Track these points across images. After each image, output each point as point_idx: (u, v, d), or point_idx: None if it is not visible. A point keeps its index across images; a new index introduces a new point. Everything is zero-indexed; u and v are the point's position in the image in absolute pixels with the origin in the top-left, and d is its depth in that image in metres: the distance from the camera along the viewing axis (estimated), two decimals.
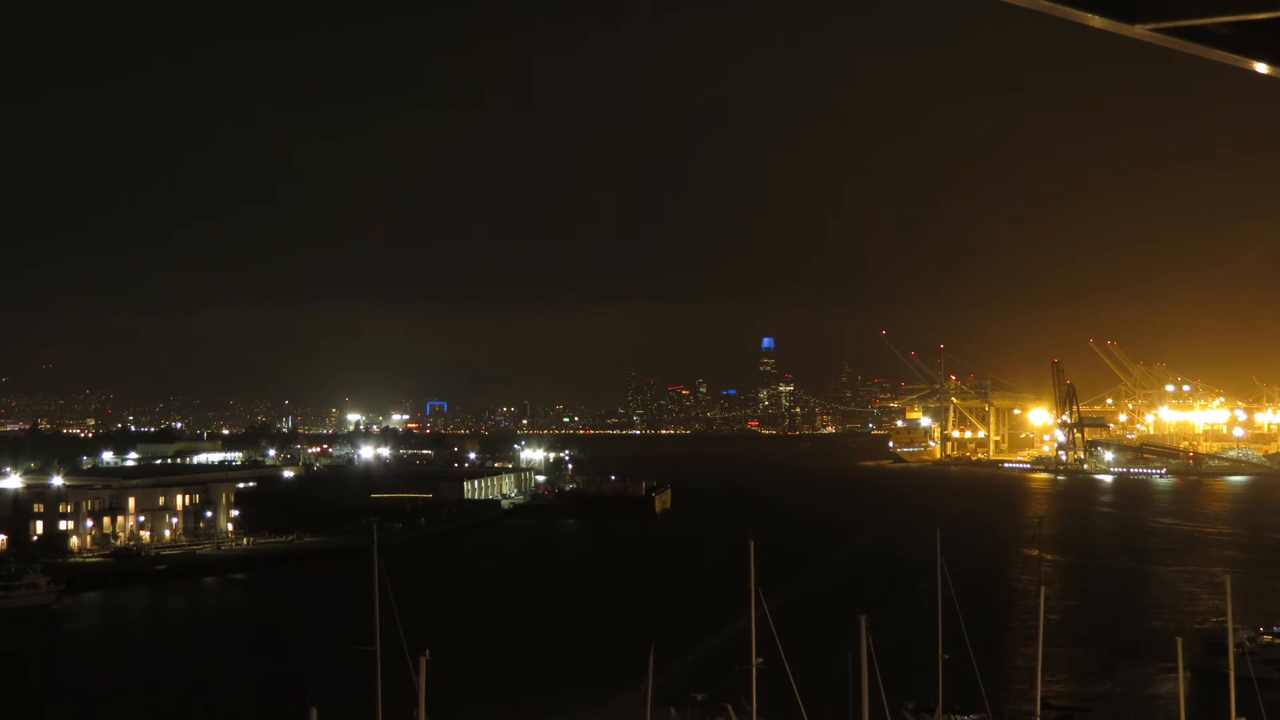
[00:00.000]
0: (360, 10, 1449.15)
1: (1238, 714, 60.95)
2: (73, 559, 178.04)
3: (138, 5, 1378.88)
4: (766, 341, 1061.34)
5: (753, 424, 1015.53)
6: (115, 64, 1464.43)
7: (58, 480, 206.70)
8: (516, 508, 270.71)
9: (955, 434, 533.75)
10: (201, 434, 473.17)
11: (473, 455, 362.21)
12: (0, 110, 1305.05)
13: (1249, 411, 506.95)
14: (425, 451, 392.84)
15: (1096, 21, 15.34)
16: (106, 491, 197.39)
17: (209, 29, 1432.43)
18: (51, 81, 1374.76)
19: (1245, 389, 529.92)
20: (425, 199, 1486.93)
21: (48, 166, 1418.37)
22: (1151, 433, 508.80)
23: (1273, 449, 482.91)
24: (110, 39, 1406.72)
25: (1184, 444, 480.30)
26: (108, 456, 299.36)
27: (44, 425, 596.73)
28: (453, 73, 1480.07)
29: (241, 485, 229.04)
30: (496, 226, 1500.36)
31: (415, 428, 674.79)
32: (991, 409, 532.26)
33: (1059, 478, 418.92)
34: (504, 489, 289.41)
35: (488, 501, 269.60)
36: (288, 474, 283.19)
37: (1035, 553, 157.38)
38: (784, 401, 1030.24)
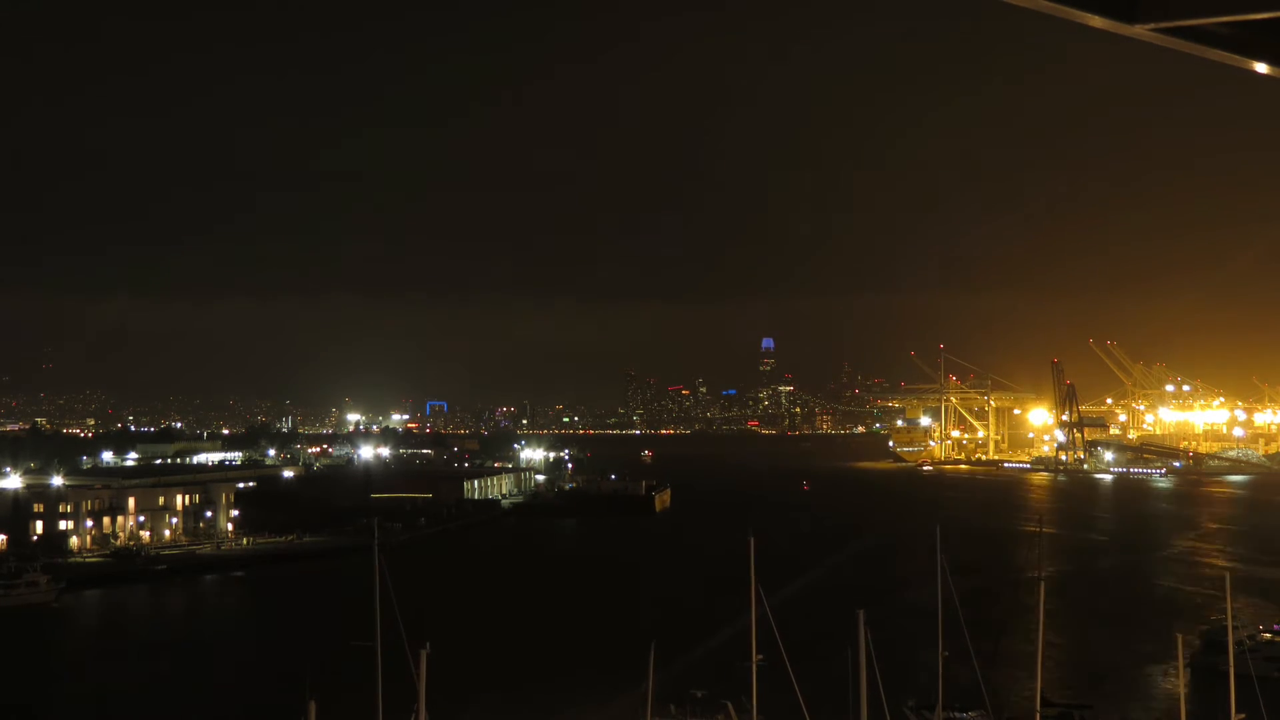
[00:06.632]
0: (366, 12, 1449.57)
1: (1237, 711, 61.14)
2: (72, 559, 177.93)
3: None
4: (766, 341, 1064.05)
5: (753, 424, 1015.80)
6: (116, 60, 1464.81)
7: (58, 480, 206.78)
8: (516, 507, 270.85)
9: (955, 434, 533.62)
10: (201, 434, 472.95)
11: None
12: (1, 108, 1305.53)
13: (1249, 411, 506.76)
14: (425, 451, 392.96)
15: (1096, 21, 15.46)
16: (106, 491, 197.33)
17: (217, 29, 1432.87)
18: (56, 81, 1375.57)
19: (1245, 389, 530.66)
20: (425, 199, 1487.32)
21: (45, 166, 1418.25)
22: (1153, 433, 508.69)
23: (1273, 449, 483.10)
24: (126, 29, 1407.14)
25: (1184, 444, 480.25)
26: (108, 456, 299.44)
27: (44, 425, 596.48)
28: (454, 76, 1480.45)
29: (241, 485, 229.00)
30: (497, 227, 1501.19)
31: (415, 428, 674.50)
32: (991, 409, 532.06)
33: (1059, 477, 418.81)
34: (504, 489, 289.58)
35: (487, 501, 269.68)
36: (288, 474, 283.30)
37: (1034, 550, 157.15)
38: (784, 401, 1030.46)
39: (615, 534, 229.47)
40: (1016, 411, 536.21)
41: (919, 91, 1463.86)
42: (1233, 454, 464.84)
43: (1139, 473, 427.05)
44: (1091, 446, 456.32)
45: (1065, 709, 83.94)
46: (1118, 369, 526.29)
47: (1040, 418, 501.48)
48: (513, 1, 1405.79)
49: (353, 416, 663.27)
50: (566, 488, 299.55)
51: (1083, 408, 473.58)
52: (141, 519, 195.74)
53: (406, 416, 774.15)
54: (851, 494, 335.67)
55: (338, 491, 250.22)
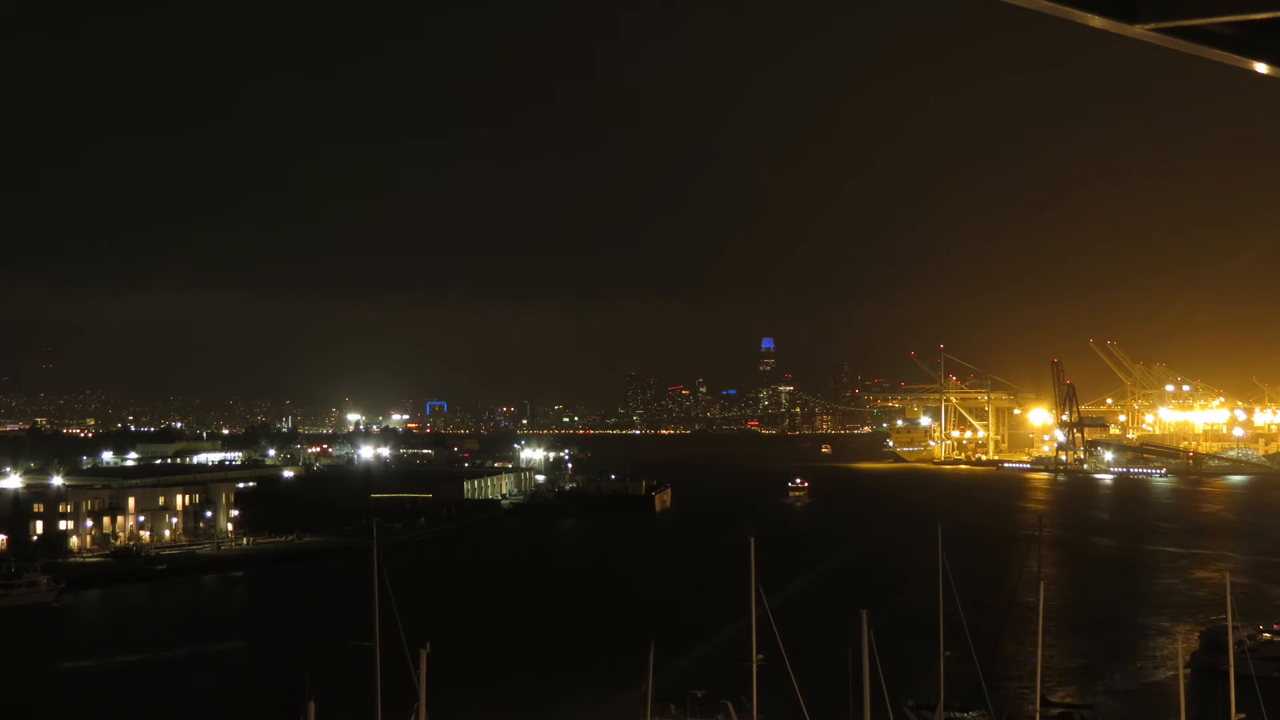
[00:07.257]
0: (371, 18, 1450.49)
1: (1237, 711, 61.15)
2: (73, 559, 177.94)
3: None
4: (766, 341, 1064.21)
5: (753, 424, 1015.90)
6: (118, 54, 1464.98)
7: (58, 480, 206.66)
8: (516, 507, 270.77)
9: (955, 434, 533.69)
10: (201, 434, 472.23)
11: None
12: (1, 106, 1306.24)
13: (1249, 411, 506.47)
14: (425, 451, 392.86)
15: (1096, 21, 15.48)
16: (106, 491, 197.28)
17: (220, 23, 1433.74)
18: (55, 77, 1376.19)
19: (1245, 389, 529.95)
20: (425, 200, 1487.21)
21: (47, 166, 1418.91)
22: (1153, 433, 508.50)
23: (1273, 449, 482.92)
24: (120, 27, 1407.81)
25: (1184, 444, 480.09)
26: (108, 456, 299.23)
27: (44, 425, 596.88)
28: (455, 78, 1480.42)
29: (241, 485, 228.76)
30: (497, 227, 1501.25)
31: (415, 428, 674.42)
32: (991, 409, 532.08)
33: (1059, 477, 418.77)
34: (504, 489, 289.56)
35: (487, 501, 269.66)
36: (288, 474, 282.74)
37: (1035, 551, 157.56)
38: (784, 401, 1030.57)
39: (615, 534, 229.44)
40: (1016, 411, 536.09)
41: (918, 90, 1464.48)
42: (1233, 454, 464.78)
43: (1139, 473, 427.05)
44: (1091, 446, 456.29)
45: (1065, 709, 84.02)
46: (1118, 369, 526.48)
47: (1040, 418, 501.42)
48: (514, 3, 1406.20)
49: (353, 416, 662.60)
50: (566, 488, 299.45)
51: (1083, 408, 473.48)
52: (141, 519, 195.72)
53: (406, 416, 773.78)
54: (851, 494, 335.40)
55: (338, 491, 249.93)
